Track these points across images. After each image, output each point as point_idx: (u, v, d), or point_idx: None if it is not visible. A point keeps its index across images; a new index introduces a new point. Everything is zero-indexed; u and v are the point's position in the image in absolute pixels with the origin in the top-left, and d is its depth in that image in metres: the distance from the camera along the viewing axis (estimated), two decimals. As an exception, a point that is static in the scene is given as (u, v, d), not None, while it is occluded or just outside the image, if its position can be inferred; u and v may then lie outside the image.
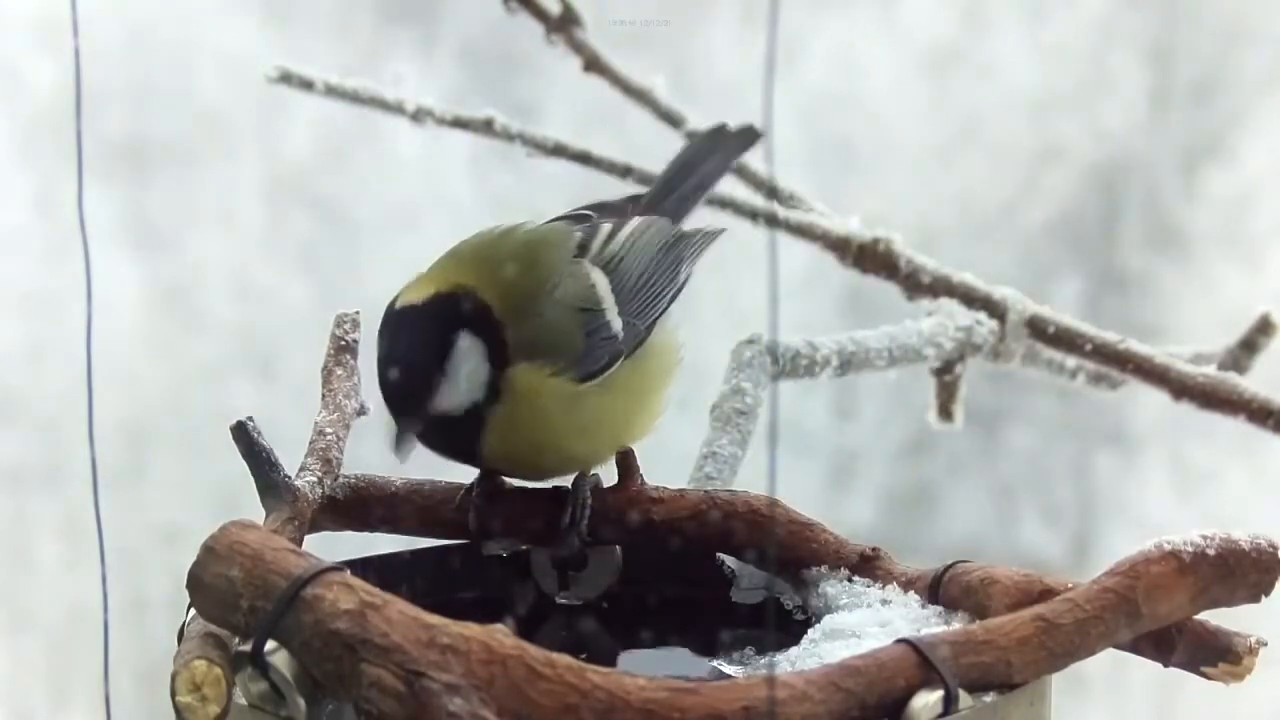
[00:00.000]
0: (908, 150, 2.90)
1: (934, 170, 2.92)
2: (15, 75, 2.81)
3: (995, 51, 2.96)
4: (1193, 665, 0.96)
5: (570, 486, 1.09)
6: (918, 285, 1.59)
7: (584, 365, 1.06)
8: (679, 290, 1.12)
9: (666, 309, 1.11)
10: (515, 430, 1.05)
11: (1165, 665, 0.96)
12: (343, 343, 1.15)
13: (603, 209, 1.17)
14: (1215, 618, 0.96)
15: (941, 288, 1.59)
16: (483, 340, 1.03)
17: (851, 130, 2.85)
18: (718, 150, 1.24)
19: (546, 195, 2.45)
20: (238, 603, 0.86)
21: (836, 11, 2.93)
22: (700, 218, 1.49)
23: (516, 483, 1.10)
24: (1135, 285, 2.94)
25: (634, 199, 1.21)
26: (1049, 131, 2.96)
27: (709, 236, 1.16)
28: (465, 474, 1.10)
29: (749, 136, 1.26)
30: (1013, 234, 2.93)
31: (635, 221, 1.13)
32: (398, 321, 1.03)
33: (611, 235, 1.11)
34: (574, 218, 1.15)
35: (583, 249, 1.10)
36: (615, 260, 1.10)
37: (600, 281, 1.09)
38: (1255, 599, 0.94)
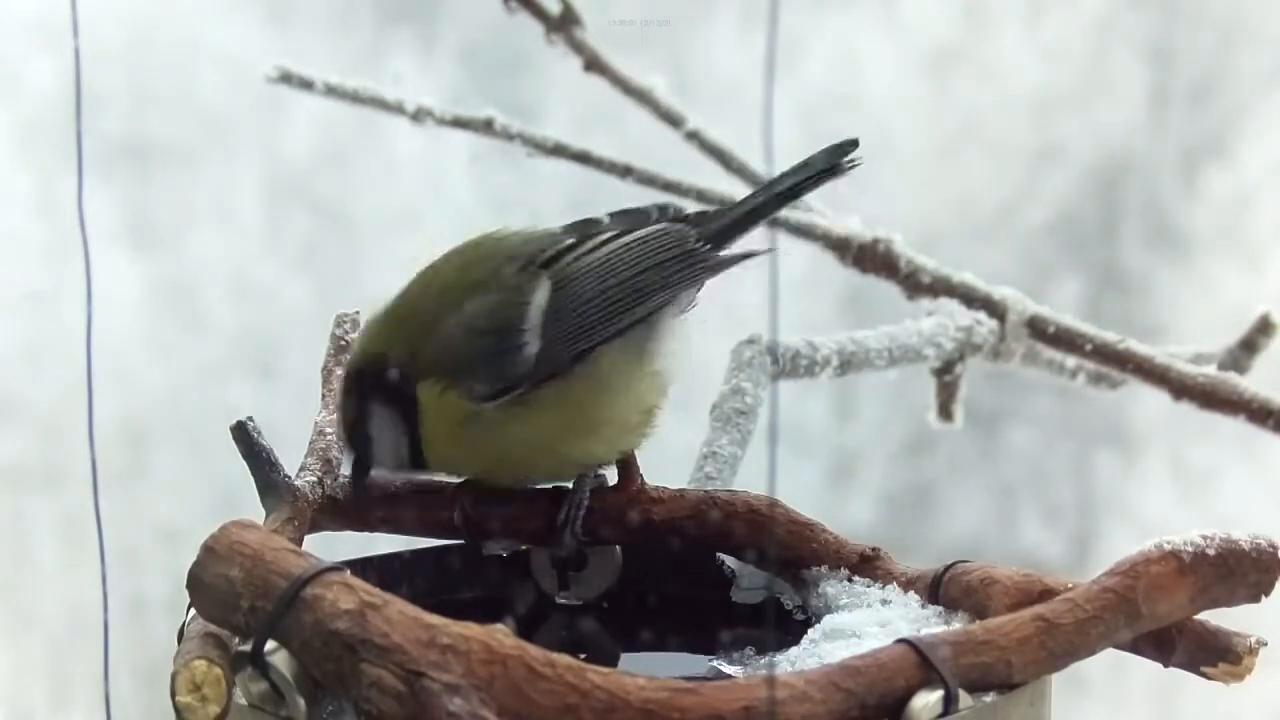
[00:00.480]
0: (908, 150, 2.90)
1: (934, 170, 2.92)
2: (15, 75, 2.80)
3: (995, 51, 2.96)
4: (1193, 665, 0.96)
5: (571, 486, 1.09)
6: (918, 285, 1.59)
7: (480, 385, 1.03)
8: (647, 313, 1.05)
9: (617, 335, 1.04)
10: (434, 444, 1.05)
11: (1165, 665, 0.96)
12: (343, 343, 1.15)
13: (629, 215, 1.10)
14: (1215, 618, 0.96)
15: (941, 288, 1.60)
16: (394, 406, 1.05)
17: (851, 130, 2.84)
18: (805, 168, 1.11)
19: (546, 195, 2.45)
20: (238, 603, 0.86)
21: (836, 11, 2.93)
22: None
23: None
24: (1135, 285, 2.94)
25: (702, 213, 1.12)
26: (1049, 131, 2.96)
27: (732, 259, 1.08)
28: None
29: (843, 150, 1.12)
30: (1013, 234, 2.92)
31: (636, 233, 1.07)
32: (342, 390, 1.07)
33: (591, 249, 1.06)
34: (580, 223, 1.10)
35: (553, 259, 1.06)
36: (573, 277, 1.05)
37: (539, 299, 1.05)
38: (1255, 599, 0.94)
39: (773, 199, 1.11)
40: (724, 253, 1.08)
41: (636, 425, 1.07)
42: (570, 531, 1.07)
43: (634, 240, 1.07)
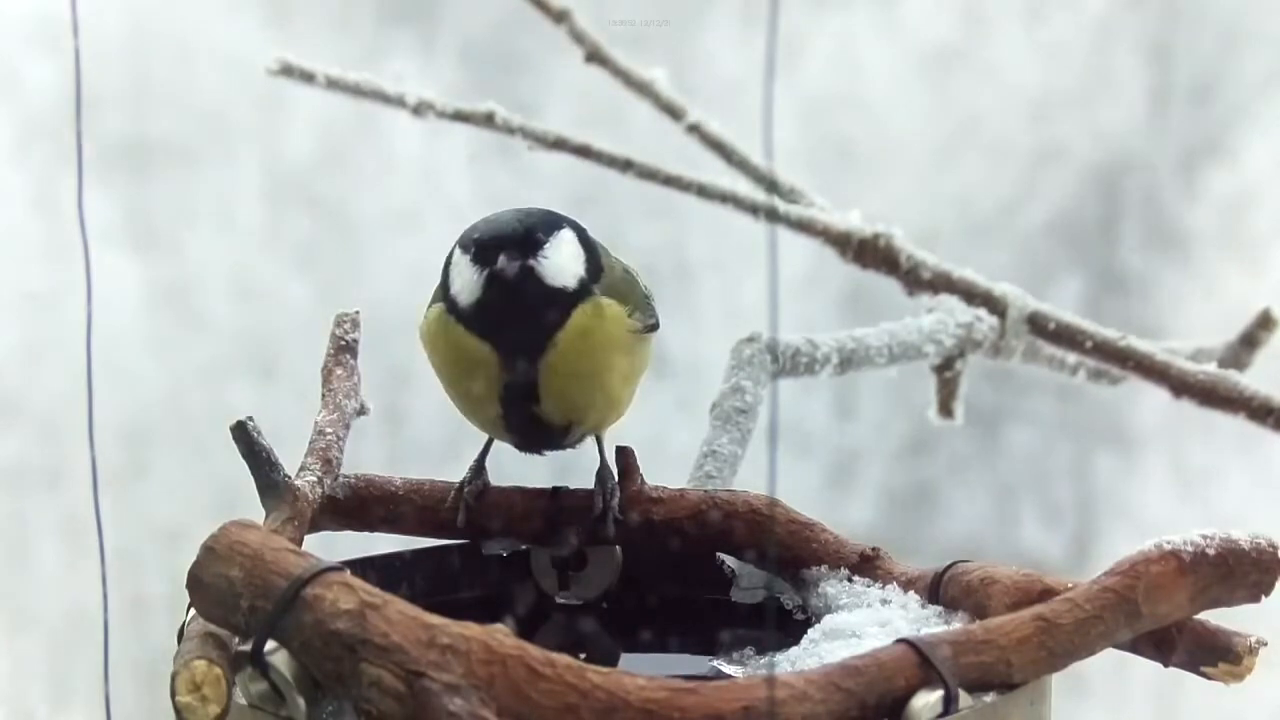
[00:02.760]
0: (908, 150, 2.89)
1: (934, 170, 2.92)
2: (15, 75, 2.80)
3: (995, 51, 2.96)
4: (1193, 665, 0.96)
5: (596, 478, 1.10)
6: (918, 281, 1.59)
7: (645, 315, 1.11)
8: None
9: None
10: (584, 341, 1.08)
11: (1165, 665, 0.96)
12: (343, 343, 1.15)
13: None
14: (1215, 618, 0.96)
15: (942, 283, 1.59)
16: (584, 251, 1.10)
17: (851, 130, 2.84)
18: None
19: (546, 195, 2.45)
20: (238, 603, 0.86)
21: (836, 11, 2.93)
22: (701, 213, 1.50)
23: (510, 482, 1.11)
24: (1135, 285, 2.93)
25: None
26: (1049, 131, 2.95)
27: None
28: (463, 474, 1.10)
29: None
30: (1013, 234, 2.92)
31: None
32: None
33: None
34: None
35: None
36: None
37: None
38: (1255, 599, 0.94)
39: None
40: None
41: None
42: (612, 517, 1.08)
43: None
